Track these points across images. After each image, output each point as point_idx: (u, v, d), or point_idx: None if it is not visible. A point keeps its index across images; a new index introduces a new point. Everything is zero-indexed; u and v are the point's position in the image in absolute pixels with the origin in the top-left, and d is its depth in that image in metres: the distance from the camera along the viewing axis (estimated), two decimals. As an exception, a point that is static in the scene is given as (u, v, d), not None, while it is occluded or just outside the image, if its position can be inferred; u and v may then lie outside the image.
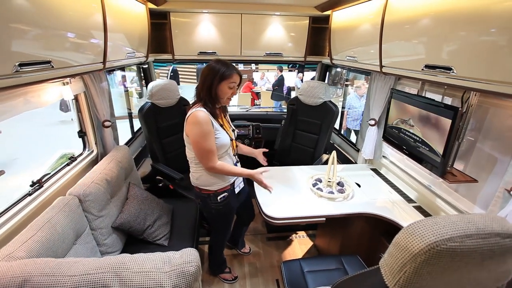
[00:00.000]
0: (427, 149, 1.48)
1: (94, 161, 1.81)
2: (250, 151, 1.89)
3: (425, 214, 1.67)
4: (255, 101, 9.16)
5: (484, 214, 0.66)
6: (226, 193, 1.62)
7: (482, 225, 0.62)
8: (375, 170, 2.21)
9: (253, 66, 12.27)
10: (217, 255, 2.03)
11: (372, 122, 2.14)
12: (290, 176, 2.09)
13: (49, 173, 1.47)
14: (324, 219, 1.67)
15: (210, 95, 1.44)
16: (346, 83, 3.82)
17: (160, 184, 2.55)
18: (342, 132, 3.63)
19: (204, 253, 2.32)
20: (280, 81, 7.89)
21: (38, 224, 1.11)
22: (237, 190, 1.72)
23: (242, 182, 1.80)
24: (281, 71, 7.94)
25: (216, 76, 1.42)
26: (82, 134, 1.79)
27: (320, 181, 1.96)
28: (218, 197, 1.60)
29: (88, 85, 1.68)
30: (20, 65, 0.87)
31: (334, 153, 1.83)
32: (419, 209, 1.71)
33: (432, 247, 0.60)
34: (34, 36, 0.94)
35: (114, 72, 4.34)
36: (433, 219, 0.65)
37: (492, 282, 0.69)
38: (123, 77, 2.95)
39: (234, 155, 1.68)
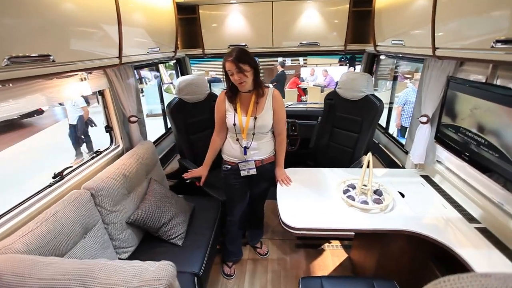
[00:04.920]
0: (497, 155, 1.11)
1: (120, 155, 1.85)
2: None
3: (493, 239, 1.27)
4: (302, 97, 8.82)
5: None
6: (228, 166, 1.82)
7: None
8: (426, 178, 1.82)
9: (301, 61, 11.86)
10: (225, 240, 2.09)
11: (424, 119, 1.75)
12: (319, 179, 1.85)
13: (71, 166, 1.53)
14: (353, 233, 1.41)
15: (227, 82, 1.65)
16: (395, 74, 3.30)
17: (188, 181, 2.56)
18: (390, 131, 3.13)
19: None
20: (279, 77, 7.18)
21: (44, 217, 1.14)
22: (243, 173, 1.78)
23: (254, 169, 1.77)
24: (282, 66, 7.24)
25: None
26: (109, 129, 1.86)
27: (353, 188, 1.68)
28: (223, 166, 1.85)
29: (113, 81, 1.72)
30: (11, 58, 0.86)
31: (369, 155, 1.54)
32: (485, 232, 1.32)
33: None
34: (31, 28, 0.93)
35: (158, 69, 4.54)
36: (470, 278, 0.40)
37: None
38: (159, 73, 3.04)
39: (237, 140, 1.73)
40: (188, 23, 2.43)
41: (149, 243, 1.67)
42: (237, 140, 1.73)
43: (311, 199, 1.63)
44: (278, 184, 1.79)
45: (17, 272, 0.76)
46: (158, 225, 1.64)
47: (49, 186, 1.37)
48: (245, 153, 1.73)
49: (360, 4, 2.25)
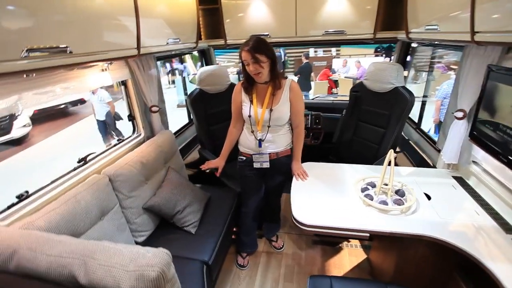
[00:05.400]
0: (542, 157, 0.95)
1: (141, 144, 1.93)
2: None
3: (533, 254, 1.11)
4: (333, 89, 8.49)
5: None
6: (244, 157, 1.81)
7: None
8: (459, 180, 1.64)
9: (334, 52, 11.36)
10: (239, 231, 2.11)
11: (460, 114, 1.57)
12: (338, 176, 1.77)
13: (95, 152, 1.63)
14: (368, 235, 1.33)
15: (243, 72, 1.61)
16: (431, 65, 3.01)
17: (207, 171, 2.60)
18: (426, 127, 2.87)
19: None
20: (302, 69, 6.92)
21: (65, 198, 1.23)
22: (256, 165, 1.76)
23: (267, 163, 1.75)
24: (306, 58, 6.99)
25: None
26: (131, 118, 1.94)
27: (373, 186, 1.58)
28: (239, 157, 1.85)
29: (135, 71, 1.78)
30: (29, 50, 0.91)
31: (391, 152, 1.42)
32: (524, 245, 1.16)
33: None
34: (48, 20, 0.98)
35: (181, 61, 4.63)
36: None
37: None
38: (182, 63, 3.10)
39: (252, 132, 1.71)
40: (211, 14, 2.43)
41: (164, 229, 1.73)
42: (252, 132, 1.71)
43: (327, 196, 1.56)
44: (294, 178, 1.75)
45: (31, 247, 0.83)
46: (172, 212, 1.70)
47: (74, 169, 1.48)
48: (259, 146, 1.70)
49: (392, -13, 2.06)
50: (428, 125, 4.02)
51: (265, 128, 1.68)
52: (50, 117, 6.83)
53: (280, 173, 1.86)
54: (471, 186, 1.57)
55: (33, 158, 5.23)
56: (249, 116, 1.67)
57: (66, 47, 1.04)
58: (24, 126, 5.66)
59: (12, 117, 5.38)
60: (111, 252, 0.80)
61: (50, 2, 0.98)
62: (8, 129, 5.33)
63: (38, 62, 0.96)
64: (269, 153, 1.73)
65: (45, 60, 0.98)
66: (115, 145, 1.79)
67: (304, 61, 7.05)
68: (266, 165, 1.74)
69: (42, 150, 5.63)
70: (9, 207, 1.18)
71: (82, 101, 7.15)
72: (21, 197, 1.21)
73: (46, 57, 0.98)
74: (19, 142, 5.56)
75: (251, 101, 1.67)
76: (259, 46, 1.49)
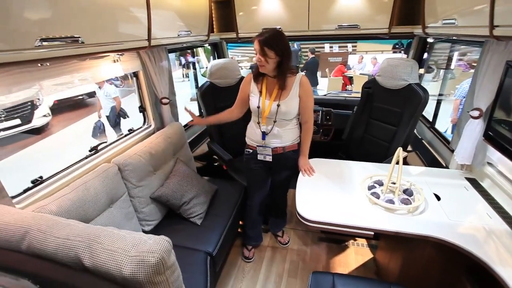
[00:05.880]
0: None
1: (151, 135, 1.97)
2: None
3: (547, 261, 1.06)
4: (347, 86, 8.33)
5: None
6: (250, 150, 1.82)
7: None
8: (473, 181, 1.58)
9: (350, 48, 11.10)
10: (245, 224, 2.14)
11: (476, 113, 1.50)
12: (345, 173, 1.75)
13: (106, 142, 1.68)
14: (372, 233, 1.31)
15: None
16: (448, 62, 2.89)
17: (216, 164, 2.63)
18: (443, 127, 2.76)
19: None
20: (309, 65, 6.87)
21: (75, 184, 1.28)
22: (260, 157, 1.78)
23: (270, 157, 1.75)
24: (312, 53, 6.89)
25: None
26: (142, 109, 1.98)
27: (380, 184, 1.55)
28: (245, 150, 1.86)
29: (146, 63, 1.81)
30: (43, 40, 0.94)
31: (399, 150, 1.39)
32: (537, 251, 1.11)
33: None
34: (61, 11, 1.01)
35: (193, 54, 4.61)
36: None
37: None
38: (194, 57, 3.11)
39: (258, 124, 1.71)
40: (223, 6, 2.42)
41: (171, 219, 1.77)
42: (259, 123, 1.71)
43: (332, 192, 1.55)
44: (300, 174, 1.74)
45: (41, 229, 0.87)
46: (179, 203, 1.73)
47: (85, 158, 1.53)
48: (263, 138, 1.70)
49: (410, -21, 1.98)
50: (445, 125, 3.90)
51: (270, 121, 1.68)
52: (69, 107, 7.07)
53: (287, 168, 1.85)
54: (485, 188, 1.51)
55: (51, 147, 5.45)
56: (258, 107, 1.67)
57: (78, 37, 1.07)
58: (44, 116, 5.88)
59: (33, 107, 5.60)
60: (114, 238, 0.83)
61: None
62: (30, 118, 5.56)
63: (51, 51, 0.99)
64: (275, 147, 1.73)
65: (58, 49, 1.02)
66: (125, 136, 1.84)
67: (310, 56, 7.00)
68: (269, 158, 1.75)
69: (61, 139, 5.86)
70: (24, 191, 1.24)
71: (98, 93, 7.35)
72: (35, 182, 1.27)
73: (59, 47, 1.01)
74: (39, 132, 5.80)
75: (260, 92, 1.67)
76: (270, 41, 1.49)
